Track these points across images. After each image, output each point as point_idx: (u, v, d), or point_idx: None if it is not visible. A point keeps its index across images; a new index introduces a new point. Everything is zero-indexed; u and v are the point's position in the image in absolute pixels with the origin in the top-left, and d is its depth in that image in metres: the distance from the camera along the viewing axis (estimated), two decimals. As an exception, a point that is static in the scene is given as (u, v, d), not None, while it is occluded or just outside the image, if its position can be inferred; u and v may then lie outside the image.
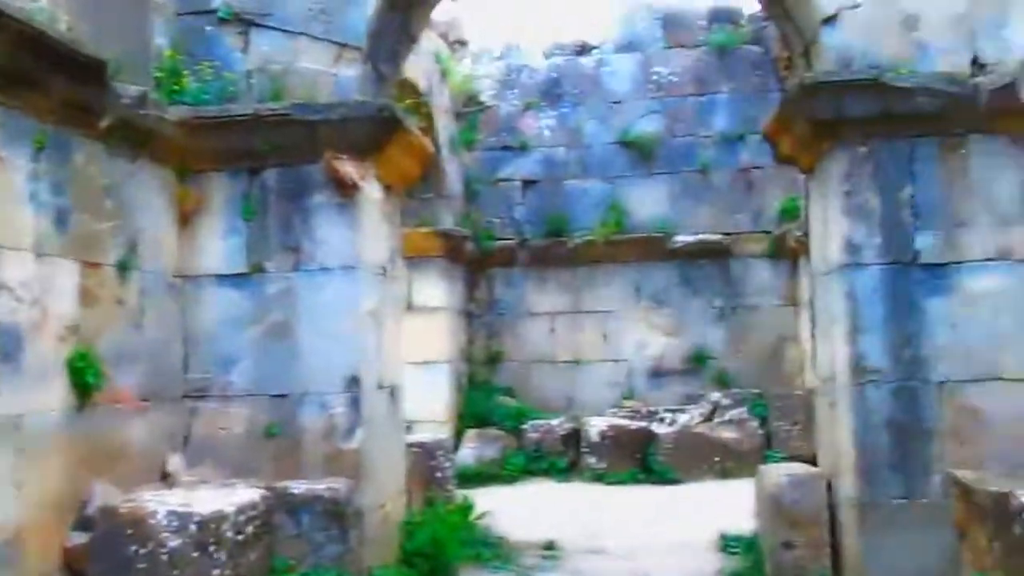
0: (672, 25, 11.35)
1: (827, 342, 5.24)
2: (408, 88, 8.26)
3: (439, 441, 7.05)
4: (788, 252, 10.69)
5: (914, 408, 4.68)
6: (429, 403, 9.87)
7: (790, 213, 10.75)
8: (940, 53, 4.74)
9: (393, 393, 5.59)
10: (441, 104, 10.03)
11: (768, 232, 10.94)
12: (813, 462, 9.67)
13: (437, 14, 10.72)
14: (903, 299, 4.76)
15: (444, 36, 10.68)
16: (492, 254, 11.22)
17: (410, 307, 10.04)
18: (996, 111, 4.64)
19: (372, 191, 4.96)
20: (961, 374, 4.68)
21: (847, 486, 4.79)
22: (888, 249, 4.78)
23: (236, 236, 5.01)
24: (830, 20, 4.80)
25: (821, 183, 5.24)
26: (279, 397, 4.90)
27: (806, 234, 9.97)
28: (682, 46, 11.30)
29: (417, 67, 8.60)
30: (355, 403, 4.90)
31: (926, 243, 4.77)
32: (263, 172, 4.97)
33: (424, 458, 6.65)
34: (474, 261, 11.12)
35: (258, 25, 4.96)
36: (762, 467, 5.52)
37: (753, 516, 5.78)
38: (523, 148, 11.42)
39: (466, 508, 7.00)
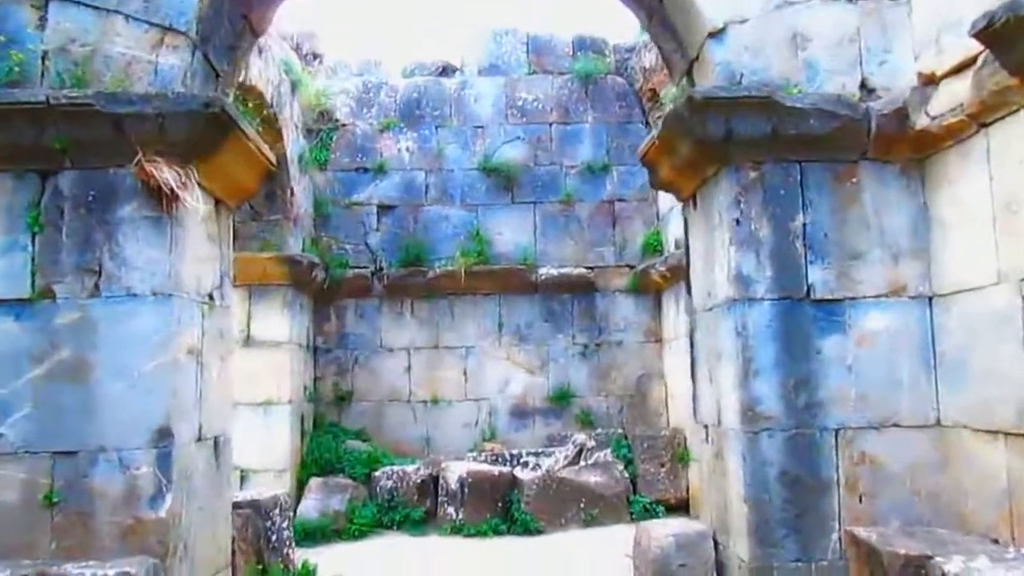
0: (538, 51, 10.94)
1: (712, 385, 4.78)
2: (253, 96, 7.41)
3: (275, 497, 6.16)
4: (651, 287, 10.40)
5: (810, 459, 4.25)
6: (267, 449, 8.91)
7: (652, 247, 10.48)
8: (829, 75, 4.39)
9: (218, 446, 4.71)
10: (290, 118, 9.17)
11: (631, 266, 10.61)
12: (681, 506, 9.33)
13: (290, 23, 9.95)
14: (797, 337, 4.34)
15: (297, 48, 9.84)
16: (344, 283, 10.37)
17: (248, 341, 9.07)
18: (886, 137, 4.32)
19: (196, 203, 4.12)
20: (858, 420, 4.29)
21: (739, 548, 4.28)
22: (780, 283, 4.36)
23: (19, 252, 4.06)
24: (717, 34, 4.38)
25: (705, 211, 4.79)
26: (66, 455, 3.95)
27: (670, 269, 9.75)
28: (547, 72, 10.89)
29: (264, 75, 7.75)
30: (165, 460, 4.01)
31: (819, 277, 4.38)
32: (57, 175, 4.04)
33: (256, 519, 5.75)
34: (323, 291, 10.24)
35: (60, -2, 4.05)
36: (643, 524, 4.95)
37: (632, 578, 5.20)
38: (380, 170, 10.68)
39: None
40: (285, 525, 6.33)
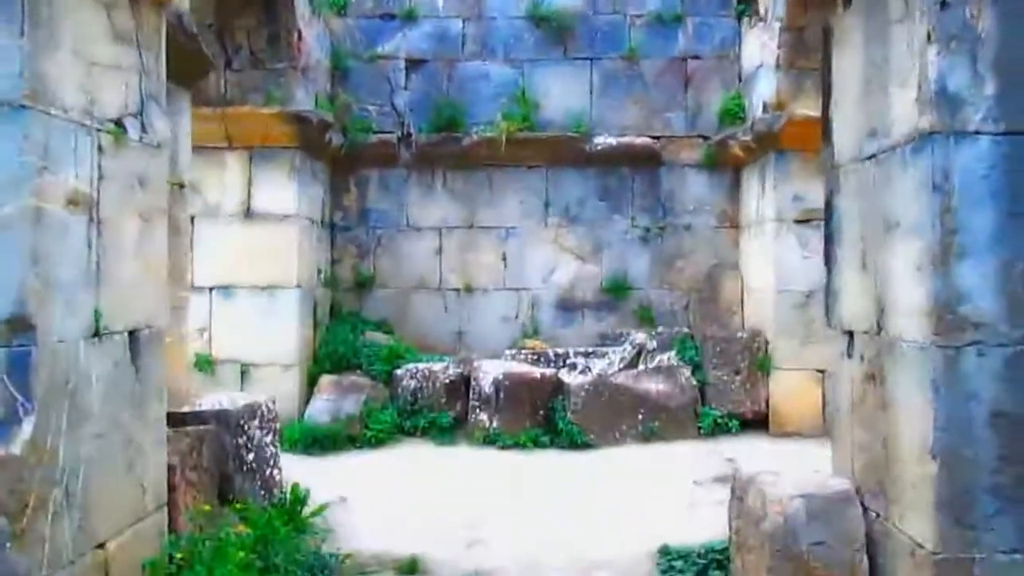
0: None
1: (866, 272, 3.17)
2: None
3: (252, 406, 4.77)
4: (729, 161, 8.68)
5: (1045, 393, 2.65)
6: (272, 341, 7.55)
7: (732, 114, 8.67)
8: None
9: (137, 344, 3.25)
10: (293, -62, 7.44)
11: (705, 136, 8.85)
12: (758, 422, 7.85)
13: None
14: (1031, 198, 2.68)
15: None
16: (365, 150, 8.78)
17: (249, 214, 7.62)
18: None
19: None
20: None
21: (912, 525, 2.75)
22: (1010, 106, 2.67)
23: None
24: None
25: (875, 3, 3.07)
26: None
27: (757, 139, 7.98)
28: None
29: None
30: (20, 366, 2.55)
31: (1074, 99, 2.67)
32: None
33: (221, 436, 4.38)
34: (341, 157, 8.68)
35: None
36: (747, 475, 3.38)
37: (734, 548, 3.70)
38: (409, 18, 8.92)
39: (290, 508, 4.80)
40: (269, 439, 4.97)
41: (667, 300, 8.81)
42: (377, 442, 7.20)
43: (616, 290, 8.77)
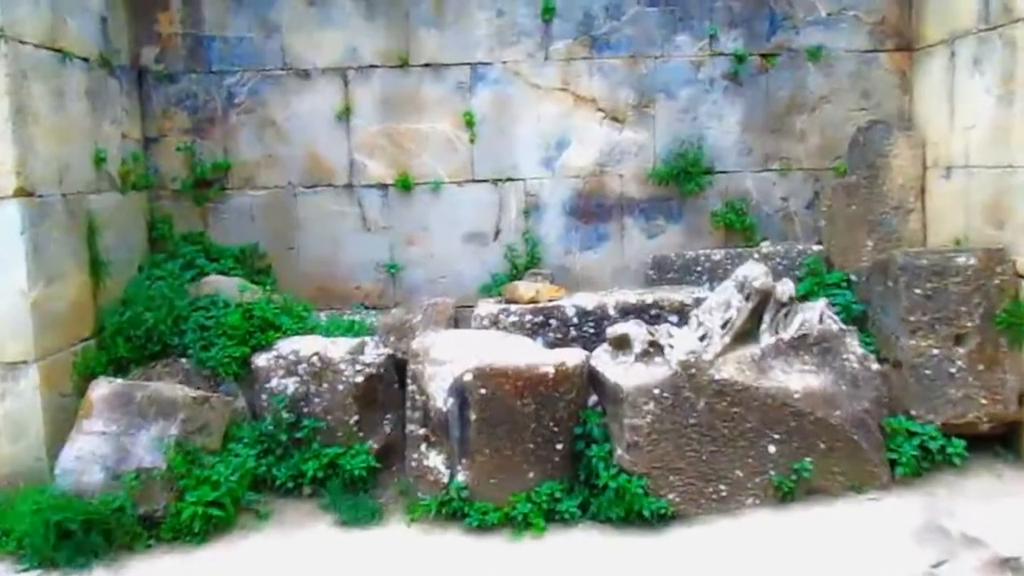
0: None
1: None
2: None
3: None
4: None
5: None
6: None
7: None
8: None
9: None
10: None
11: None
12: (1004, 438, 3.69)
13: None
14: None
15: None
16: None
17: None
18: None
19: None
20: None
21: None
22: None
23: None
24: None
25: None
26: None
27: None
28: None
29: None
30: None
31: None
32: None
33: None
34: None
35: None
36: None
37: None
38: None
39: None
40: None
41: (776, 191, 4.80)
42: (207, 528, 3.28)
43: (682, 176, 4.71)
